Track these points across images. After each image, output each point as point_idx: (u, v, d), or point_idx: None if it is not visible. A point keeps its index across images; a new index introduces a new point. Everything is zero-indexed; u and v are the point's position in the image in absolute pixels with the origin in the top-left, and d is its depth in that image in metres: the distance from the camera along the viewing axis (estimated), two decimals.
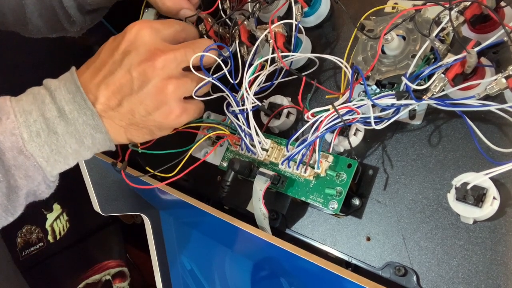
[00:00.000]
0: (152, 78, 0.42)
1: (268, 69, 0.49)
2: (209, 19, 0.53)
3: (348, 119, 0.42)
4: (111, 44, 0.44)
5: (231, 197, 0.51)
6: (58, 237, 1.03)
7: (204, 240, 0.68)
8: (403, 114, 0.42)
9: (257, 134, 0.48)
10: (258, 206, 0.46)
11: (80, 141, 0.42)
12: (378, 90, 0.43)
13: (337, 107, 0.42)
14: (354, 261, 0.44)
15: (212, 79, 0.48)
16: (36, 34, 0.61)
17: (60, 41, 0.66)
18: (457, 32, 0.38)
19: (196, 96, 0.47)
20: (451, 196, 0.38)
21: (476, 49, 0.36)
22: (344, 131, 0.44)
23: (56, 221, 1.03)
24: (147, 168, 0.53)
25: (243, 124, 0.48)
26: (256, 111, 0.50)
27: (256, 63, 0.48)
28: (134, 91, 0.42)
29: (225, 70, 0.48)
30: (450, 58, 0.37)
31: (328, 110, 0.42)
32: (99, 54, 0.44)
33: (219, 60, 0.47)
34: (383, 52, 0.43)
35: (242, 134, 0.49)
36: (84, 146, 0.43)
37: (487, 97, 0.37)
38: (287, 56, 0.48)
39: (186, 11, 0.52)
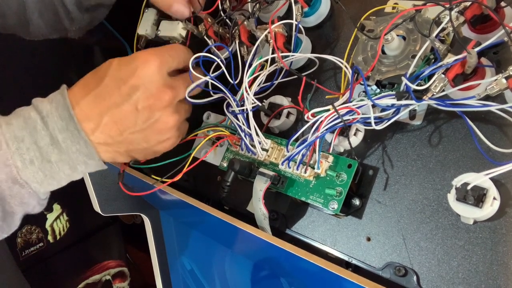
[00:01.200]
0: (157, 114, 0.43)
1: (268, 69, 0.49)
2: (209, 19, 0.53)
3: (348, 119, 0.42)
4: (117, 73, 0.43)
5: (231, 197, 0.51)
6: (58, 237, 1.03)
7: (204, 240, 0.68)
8: (403, 115, 0.42)
9: (257, 134, 0.48)
10: (258, 206, 0.46)
11: (73, 168, 0.43)
12: (378, 90, 0.43)
13: (337, 107, 0.42)
14: (354, 261, 0.44)
15: (211, 78, 0.48)
16: (36, 36, 0.61)
17: (61, 41, 0.65)
18: (457, 32, 0.38)
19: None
20: (451, 197, 0.38)
21: (476, 49, 0.36)
22: (344, 131, 0.44)
23: (56, 221, 1.03)
24: (154, 176, 0.53)
25: (243, 124, 0.48)
26: (256, 111, 0.50)
27: (255, 63, 0.48)
28: (138, 125, 0.43)
29: (220, 71, 0.48)
30: (450, 58, 0.37)
31: (328, 110, 0.42)
32: (102, 81, 0.42)
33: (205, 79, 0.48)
34: (383, 52, 0.43)
35: (242, 134, 0.49)
36: (77, 171, 0.43)
37: (487, 98, 0.37)
38: (287, 56, 0.48)
39: (179, 6, 0.51)
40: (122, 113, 0.42)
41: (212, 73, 0.50)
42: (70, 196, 1.03)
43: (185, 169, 0.49)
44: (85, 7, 0.58)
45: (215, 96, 0.51)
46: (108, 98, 0.42)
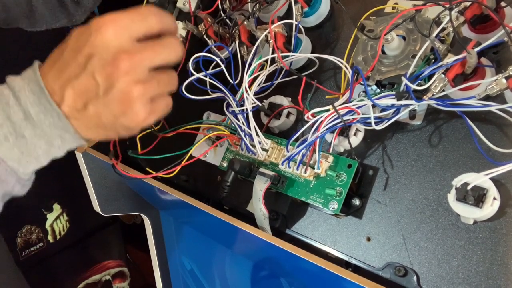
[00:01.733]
0: (117, 83, 0.40)
1: (268, 69, 0.49)
2: (209, 19, 0.53)
3: (348, 119, 0.42)
4: (75, 42, 0.41)
5: (231, 197, 0.51)
6: (58, 237, 1.03)
7: (204, 240, 0.68)
8: (403, 115, 0.42)
9: (257, 134, 0.48)
10: (258, 206, 0.46)
11: (49, 143, 0.42)
12: (378, 90, 0.43)
13: (337, 107, 0.42)
14: (354, 261, 0.44)
15: (209, 77, 0.48)
16: (40, 25, 0.60)
17: (62, 36, 0.65)
18: (457, 32, 0.38)
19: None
20: (451, 197, 0.38)
21: (476, 49, 0.36)
22: (344, 131, 0.44)
23: (56, 221, 1.03)
24: (148, 169, 0.53)
25: (243, 124, 0.48)
26: (256, 111, 0.50)
27: (255, 63, 0.48)
28: (99, 96, 0.41)
29: (220, 68, 0.48)
30: (450, 58, 0.37)
31: (328, 110, 0.42)
32: (63, 52, 0.42)
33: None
34: (383, 52, 0.43)
35: (242, 134, 0.49)
36: (54, 146, 0.42)
37: (487, 98, 0.37)
38: (287, 56, 0.48)
39: None
40: (81, 85, 0.40)
41: (212, 73, 0.50)
42: (70, 196, 1.03)
43: (179, 166, 0.49)
44: None
45: (214, 95, 0.51)
46: (67, 70, 0.41)
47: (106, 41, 0.40)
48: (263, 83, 0.50)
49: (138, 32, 0.41)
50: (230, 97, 0.49)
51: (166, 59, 0.41)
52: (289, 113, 0.50)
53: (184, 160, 0.49)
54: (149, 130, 0.57)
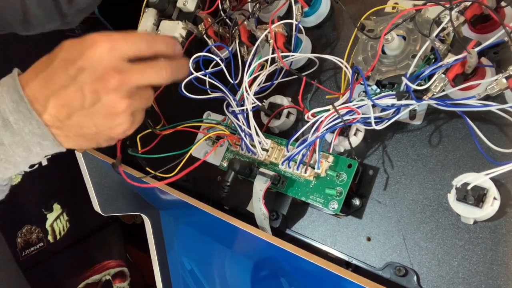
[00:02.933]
0: (104, 98, 0.42)
1: (268, 69, 0.49)
2: (209, 19, 0.53)
3: (348, 119, 0.42)
4: (67, 54, 0.42)
5: (231, 197, 0.51)
6: (58, 237, 1.03)
7: (204, 240, 0.68)
8: (403, 114, 0.42)
9: (257, 134, 0.48)
10: (258, 206, 0.46)
11: (28, 150, 0.42)
12: (378, 90, 0.43)
13: (337, 107, 0.42)
14: (354, 261, 0.44)
15: (208, 76, 0.48)
16: (34, 28, 0.60)
17: (57, 39, 0.65)
18: (458, 32, 0.38)
19: None
20: (451, 197, 0.38)
21: (477, 49, 0.36)
22: (344, 131, 0.44)
23: (56, 221, 1.03)
24: (148, 169, 0.53)
25: (243, 124, 0.48)
26: (256, 111, 0.50)
27: (255, 63, 0.48)
28: (84, 108, 0.42)
29: (219, 67, 0.48)
30: (450, 58, 0.37)
31: (328, 110, 0.42)
32: (52, 62, 0.42)
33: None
34: (383, 52, 0.43)
35: (242, 134, 0.49)
36: (32, 153, 0.43)
37: (487, 97, 0.37)
38: (287, 56, 0.48)
39: None
40: (68, 96, 0.41)
41: (212, 72, 0.50)
42: (70, 196, 1.03)
43: (186, 170, 0.49)
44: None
45: (214, 95, 0.51)
46: (55, 80, 0.42)
47: (99, 56, 0.41)
48: (263, 83, 0.50)
49: (129, 53, 0.42)
50: (230, 97, 0.49)
51: (152, 81, 0.43)
52: (289, 113, 0.50)
53: (184, 160, 0.49)
54: (150, 130, 0.57)
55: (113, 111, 0.42)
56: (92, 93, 0.41)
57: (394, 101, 0.40)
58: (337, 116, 0.42)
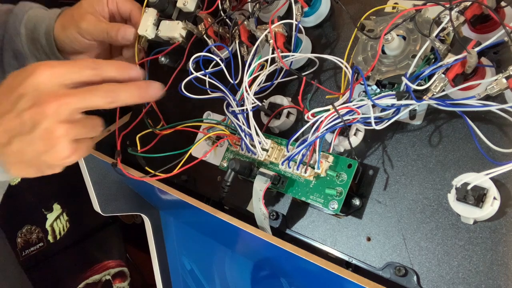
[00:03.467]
0: (42, 123, 0.42)
1: (268, 69, 0.49)
2: (209, 19, 0.53)
3: (349, 119, 0.42)
4: (11, 82, 0.44)
5: (231, 197, 0.51)
6: (58, 237, 1.04)
7: (204, 240, 0.68)
8: (403, 114, 0.42)
9: (257, 134, 0.48)
10: (258, 206, 0.46)
11: None
12: (378, 90, 0.43)
13: (337, 107, 0.42)
14: (354, 261, 0.44)
15: (208, 76, 0.48)
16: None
17: None
18: (458, 32, 0.38)
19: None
20: (451, 196, 0.38)
21: (477, 49, 0.36)
22: (344, 131, 0.44)
23: (56, 221, 1.03)
24: (147, 168, 0.53)
25: (243, 124, 0.48)
26: (256, 111, 0.50)
27: (255, 63, 0.48)
28: (23, 133, 0.42)
29: (219, 67, 0.48)
30: (450, 58, 0.37)
31: (328, 110, 0.42)
32: None
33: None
34: (383, 52, 0.43)
35: (242, 134, 0.49)
36: None
37: (487, 97, 0.37)
38: (287, 56, 0.48)
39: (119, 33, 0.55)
40: (8, 122, 0.42)
41: (212, 72, 0.50)
42: (70, 196, 1.03)
43: (184, 167, 0.49)
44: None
45: (214, 95, 0.51)
46: None
47: (38, 83, 0.42)
48: (263, 83, 0.50)
49: (71, 79, 0.43)
50: (230, 97, 0.49)
51: (94, 105, 0.44)
52: (289, 113, 0.50)
53: (184, 160, 0.49)
54: (150, 130, 0.57)
55: (51, 137, 0.43)
56: (30, 118, 0.42)
57: (394, 101, 0.40)
58: (337, 116, 0.42)
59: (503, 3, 0.39)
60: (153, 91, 0.46)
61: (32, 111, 0.42)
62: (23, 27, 0.60)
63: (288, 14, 0.51)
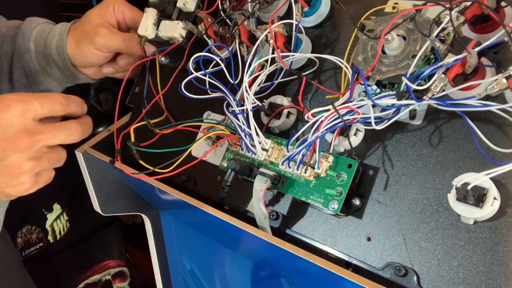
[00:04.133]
0: (10, 157, 0.43)
1: (268, 69, 0.49)
2: (209, 19, 0.53)
3: (349, 119, 0.42)
4: None
5: (231, 197, 0.51)
6: (58, 237, 1.03)
7: (204, 240, 0.68)
8: (403, 114, 0.42)
9: (257, 134, 0.48)
10: (258, 206, 0.46)
11: None
12: (378, 90, 0.43)
13: (337, 107, 0.42)
14: (354, 261, 0.44)
15: (208, 76, 0.48)
16: None
17: None
18: (458, 32, 0.38)
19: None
20: (451, 197, 0.38)
21: (477, 49, 0.36)
22: (344, 131, 0.44)
23: (56, 221, 1.03)
24: (142, 162, 0.53)
25: (243, 124, 0.48)
26: (256, 111, 0.50)
27: (255, 63, 0.48)
28: None
29: (219, 67, 0.48)
30: (450, 58, 0.37)
31: (328, 110, 0.42)
32: None
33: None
34: (383, 52, 0.43)
35: (242, 134, 0.49)
36: None
37: (487, 97, 0.37)
38: (287, 56, 0.48)
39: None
40: None
41: (212, 72, 0.50)
42: (70, 196, 1.03)
43: (183, 167, 0.49)
44: (32, 91, 0.63)
45: (214, 95, 0.51)
46: None
47: (11, 118, 0.43)
48: (263, 83, 0.50)
49: (42, 114, 0.45)
50: (230, 97, 0.49)
51: (62, 141, 0.46)
52: (289, 113, 0.50)
53: (183, 157, 0.49)
54: (150, 129, 0.57)
55: (17, 171, 0.44)
56: (1, 152, 0.43)
57: (394, 101, 0.40)
58: (337, 116, 0.42)
59: (503, 3, 0.39)
60: (91, 127, 0.50)
61: (4, 145, 0.43)
62: (32, 43, 0.61)
63: (288, 14, 0.51)
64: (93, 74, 0.65)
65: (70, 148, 0.61)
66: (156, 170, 0.51)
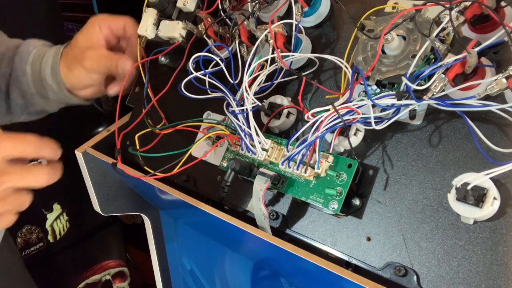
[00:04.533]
0: None
1: (268, 69, 0.49)
2: (209, 19, 0.53)
3: (348, 119, 0.42)
4: None
5: (231, 197, 0.51)
6: (58, 237, 1.04)
7: (204, 240, 0.68)
8: (403, 114, 0.42)
9: (257, 134, 0.48)
10: (258, 206, 0.46)
11: None
12: (378, 90, 0.43)
13: (337, 107, 0.42)
14: (354, 261, 0.44)
15: (208, 76, 0.48)
16: None
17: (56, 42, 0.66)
18: (458, 32, 0.38)
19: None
20: (451, 196, 0.38)
21: (477, 49, 0.36)
22: (344, 131, 0.44)
23: (56, 221, 1.03)
24: (146, 168, 0.53)
25: (243, 124, 0.48)
26: (256, 111, 0.50)
27: (255, 63, 0.48)
28: None
29: (219, 67, 0.48)
30: (450, 58, 0.37)
31: (328, 110, 0.42)
32: None
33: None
34: (383, 52, 0.43)
35: (242, 134, 0.49)
36: None
37: (487, 97, 0.37)
38: (287, 56, 0.48)
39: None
40: None
41: (212, 72, 0.50)
42: (70, 196, 1.03)
43: (183, 167, 0.49)
44: (28, 111, 0.64)
45: (214, 95, 0.51)
46: None
47: None
48: (263, 83, 0.50)
49: (13, 155, 0.44)
50: (230, 97, 0.49)
51: (29, 185, 0.46)
52: (289, 113, 0.50)
53: (184, 159, 0.49)
54: (149, 129, 0.57)
55: None
56: None
57: (394, 101, 0.40)
58: (337, 116, 0.42)
59: (503, 3, 0.39)
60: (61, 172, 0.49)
61: None
62: (29, 66, 0.62)
63: (288, 14, 0.51)
64: (92, 95, 0.64)
65: (70, 148, 0.61)
66: (157, 174, 0.51)
